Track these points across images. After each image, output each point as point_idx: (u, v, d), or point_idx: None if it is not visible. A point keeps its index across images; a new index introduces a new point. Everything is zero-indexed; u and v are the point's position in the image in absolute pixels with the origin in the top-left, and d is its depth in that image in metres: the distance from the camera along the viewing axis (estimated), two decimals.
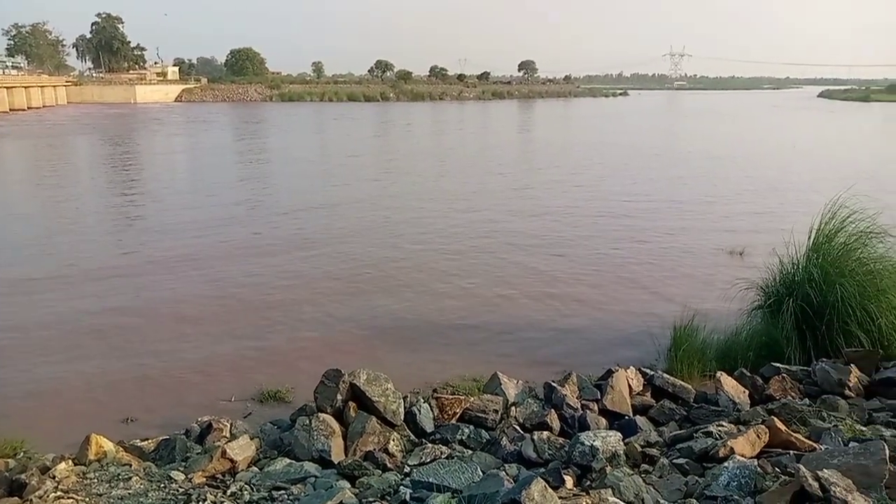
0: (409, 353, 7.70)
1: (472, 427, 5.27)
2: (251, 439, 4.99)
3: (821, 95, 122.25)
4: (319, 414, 5.08)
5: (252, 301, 9.36)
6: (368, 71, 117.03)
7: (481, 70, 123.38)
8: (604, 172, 22.38)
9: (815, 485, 2.66)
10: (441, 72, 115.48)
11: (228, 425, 5.40)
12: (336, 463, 4.63)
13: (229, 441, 4.84)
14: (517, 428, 5.14)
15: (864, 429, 3.87)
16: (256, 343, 7.92)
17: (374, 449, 4.85)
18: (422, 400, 5.60)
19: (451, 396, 5.72)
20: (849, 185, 7.57)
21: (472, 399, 5.66)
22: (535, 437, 4.34)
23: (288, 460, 4.67)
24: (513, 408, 5.57)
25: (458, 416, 5.52)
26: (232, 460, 4.53)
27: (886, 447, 2.92)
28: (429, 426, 5.34)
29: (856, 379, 5.64)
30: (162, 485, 4.00)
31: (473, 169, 23.60)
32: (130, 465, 4.41)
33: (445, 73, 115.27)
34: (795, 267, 7.23)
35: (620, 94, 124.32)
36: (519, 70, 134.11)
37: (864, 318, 6.49)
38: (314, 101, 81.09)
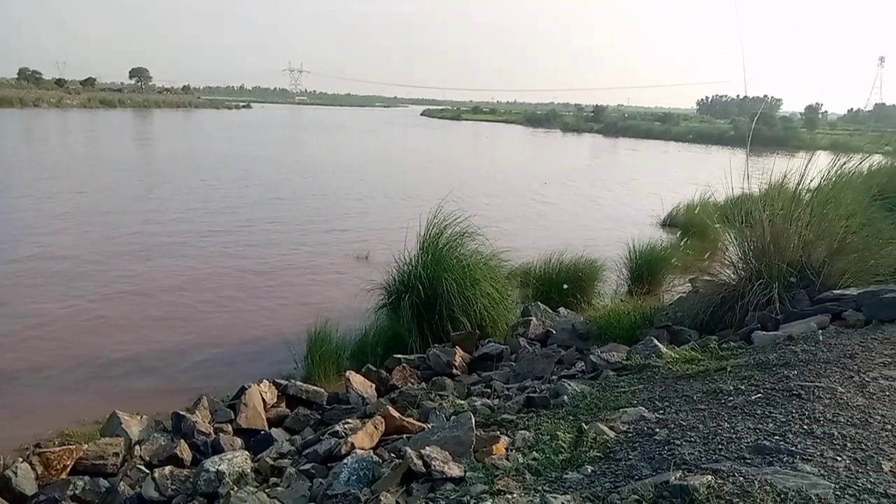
0: (10, 403, 6.41)
1: (87, 478, 4.62)
2: None
3: (423, 114, 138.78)
4: None
5: None
6: None
7: (85, 75, 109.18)
8: (245, 188, 21.50)
9: (420, 462, 2.94)
10: (34, 75, 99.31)
11: None
12: None
13: None
14: (142, 468, 4.67)
15: (462, 402, 4.44)
16: None
17: None
18: (20, 459, 4.71)
19: (59, 448, 4.91)
20: (450, 190, 8.72)
21: (87, 447, 4.97)
22: (157, 475, 3.97)
23: None
24: (137, 447, 5.04)
25: (69, 468, 4.78)
26: None
27: (473, 417, 3.38)
28: (30, 488, 4.51)
29: (460, 358, 6.50)
30: None
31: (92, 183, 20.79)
32: None
33: (40, 77, 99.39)
34: (409, 266, 8.04)
35: (244, 106, 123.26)
36: (130, 77, 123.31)
37: (464, 305, 7.55)
38: None
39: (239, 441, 5.09)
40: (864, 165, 7.80)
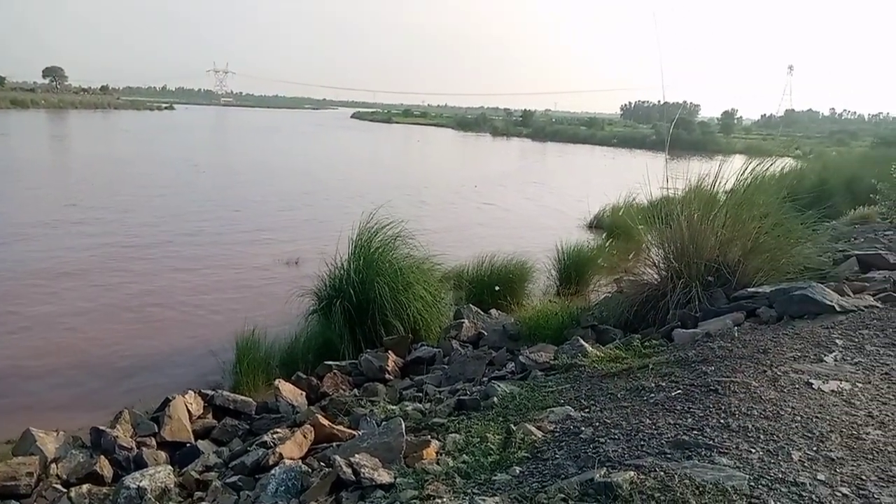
0: None
1: None
2: None
3: (353, 116, 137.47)
4: None
5: None
6: None
7: None
8: (174, 196, 20.54)
9: (349, 470, 2.91)
10: None
11: None
12: None
13: None
14: (59, 487, 4.44)
15: (394, 408, 4.41)
16: None
17: None
18: None
19: None
20: (388, 200, 8.66)
21: None
22: (73, 494, 3.79)
23: None
24: (53, 465, 4.79)
25: None
26: None
27: (403, 422, 3.37)
28: None
29: (393, 363, 6.47)
30: None
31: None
32: None
33: None
34: (341, 271, 7.94)
35: (166, 107, 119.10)
36: (44, 77, 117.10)
37: (397, 309, 7.51)
38: None
39: (163, 455, 4.91)
40: (775, 168, 8.21)
